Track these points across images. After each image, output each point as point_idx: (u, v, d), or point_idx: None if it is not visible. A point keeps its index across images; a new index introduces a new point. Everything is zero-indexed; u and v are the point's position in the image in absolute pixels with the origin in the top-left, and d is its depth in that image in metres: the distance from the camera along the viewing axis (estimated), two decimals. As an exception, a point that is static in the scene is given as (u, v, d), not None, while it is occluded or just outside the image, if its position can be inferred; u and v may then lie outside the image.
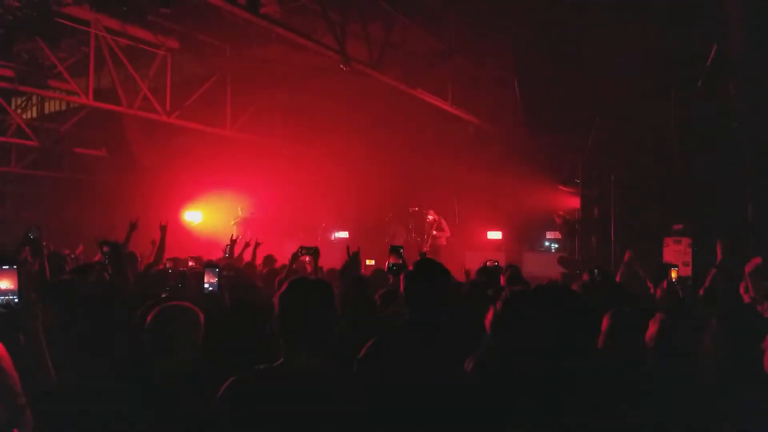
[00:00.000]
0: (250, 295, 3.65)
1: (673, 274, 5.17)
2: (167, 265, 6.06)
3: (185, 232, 15.27)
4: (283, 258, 7.34)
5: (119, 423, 2.32)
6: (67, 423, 2.32)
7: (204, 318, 2.64)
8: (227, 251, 6.44)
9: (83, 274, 4.11)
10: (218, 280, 3.16)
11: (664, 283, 5.13)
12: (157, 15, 10.34)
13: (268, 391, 2.11)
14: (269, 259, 7.24)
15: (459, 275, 6.63)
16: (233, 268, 5.58)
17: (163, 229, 5.60)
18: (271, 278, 5.18)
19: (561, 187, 11.21)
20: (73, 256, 6.52)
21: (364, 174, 13.14)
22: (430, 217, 12.68)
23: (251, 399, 2.10)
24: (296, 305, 2.21)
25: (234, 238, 7.61)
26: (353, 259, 4.43)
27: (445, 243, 12.61)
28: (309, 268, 5.43)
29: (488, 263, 6.79)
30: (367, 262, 8.05)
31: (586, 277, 5.28)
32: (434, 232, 12.63)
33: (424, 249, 11.17)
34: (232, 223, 14.44)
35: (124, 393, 2.42)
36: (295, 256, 5.15)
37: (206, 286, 3.13)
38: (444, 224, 12.69)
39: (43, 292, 3.41)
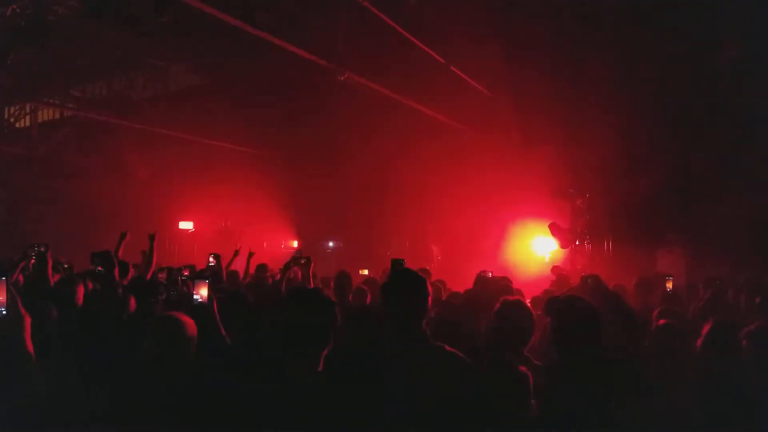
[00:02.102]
0: (237, 303, 3.66)
1: (669, 284, 5.24)
2: (159, 275, 6.03)
3: (179, 241, 15.23)
4: (273, 265, 7.31)
5: (112, 427, 2.33)
6: (60, 426, 2.34)
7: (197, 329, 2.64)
8: (212, 260, 6.33)
9: (72, 283, 4.12)
10: (208, 292, 3.15)
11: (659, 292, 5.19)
12: (153, 25, 10.36)
13: (270, 397, 2.15)
14: (262, 268, 7.15)
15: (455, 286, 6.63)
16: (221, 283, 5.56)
17: (152, 238, 5.59)
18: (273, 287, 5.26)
19: (554, 197, 11.21)
20: (67, 265, 6.49)
21: (361, 184, 13.13)
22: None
23: (256, 404, 2.14)
24: (296, 314, 2.25)
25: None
26: (337, 282, 4.56)
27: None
28: (302, 278, 5.43)
29: (482, 273, 6.78)
30: (361, 272, 8.02)
31: (578, 282, 5.29)
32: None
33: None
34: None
35: (116, 398, 2.43)
36: (287, 266, 5.14)
37: (195, 297, 3.12)
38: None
39: (45, 299, 3.59)
